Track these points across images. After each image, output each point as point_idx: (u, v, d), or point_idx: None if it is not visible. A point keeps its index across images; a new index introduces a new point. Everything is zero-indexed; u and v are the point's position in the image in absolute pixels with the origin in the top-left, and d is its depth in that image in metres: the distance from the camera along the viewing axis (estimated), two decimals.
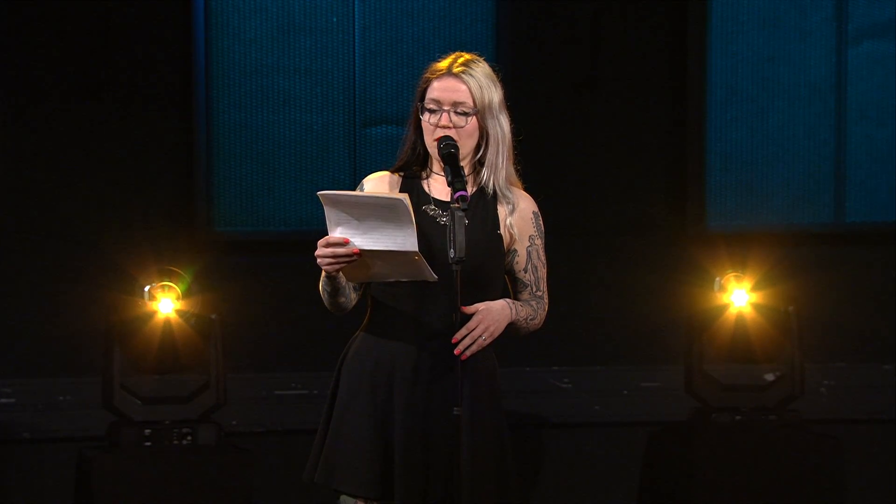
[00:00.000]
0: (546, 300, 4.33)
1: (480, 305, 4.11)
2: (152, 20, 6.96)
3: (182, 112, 6.99)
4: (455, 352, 4.06)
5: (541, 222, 4.33)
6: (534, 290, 4.29)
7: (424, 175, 4.27)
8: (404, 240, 3.94)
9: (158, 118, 7.00)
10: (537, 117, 7.17)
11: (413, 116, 4.26)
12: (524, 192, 4.32)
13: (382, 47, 7.09)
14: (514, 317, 4.19)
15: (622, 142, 7.32)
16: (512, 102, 7.46)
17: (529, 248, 4.28)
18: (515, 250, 4.28)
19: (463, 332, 4.07)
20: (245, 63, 7.04)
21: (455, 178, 4.03)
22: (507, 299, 4.23)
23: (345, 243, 3.97)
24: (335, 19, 7.10)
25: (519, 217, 4.28)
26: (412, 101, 4.27)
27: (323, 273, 4.11)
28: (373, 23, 7.10)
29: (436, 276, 4.02)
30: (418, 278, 4.04)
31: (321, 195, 3.95)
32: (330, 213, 3.96)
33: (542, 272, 4.31)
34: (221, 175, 7.07)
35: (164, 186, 7.00)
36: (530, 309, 4.26)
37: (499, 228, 4.24)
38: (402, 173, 4.28)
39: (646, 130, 7.35)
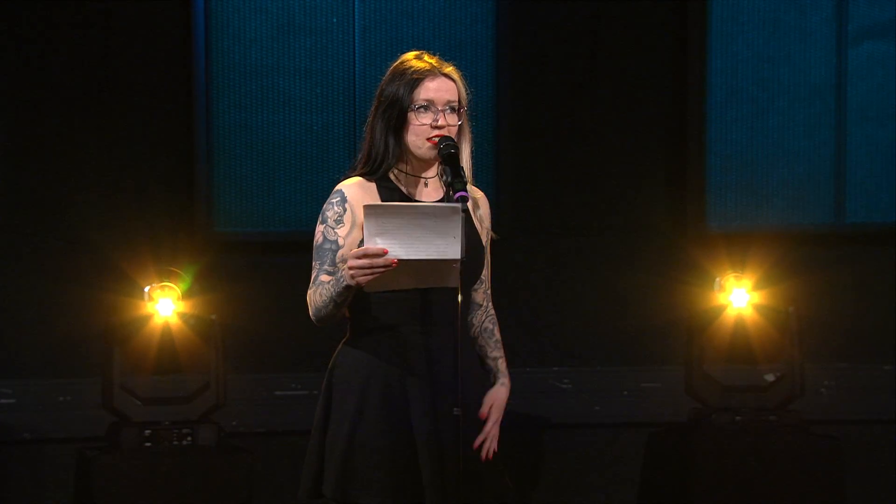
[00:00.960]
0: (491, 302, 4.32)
1: (489, 402, 4.18)
2: (152, 20, 6.96)
3: (182, 112, 6.99)
4: (481, 455, 4.12)
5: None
6: (486, 287, 4.28)
7: (398, 179, 4.19)
8: (446, 247, 3.82)
9: (158, 118, 7.00)
10: (537, 117, 7.17)
11: (394, 118, 4.14)
12: (474, 186, 4.26)
13: (382, 47, 7.08)
14: (510, 385, 4.25)
15: (622, 142, 7.31)
16: (512, 102, 7.43)
17: (487, 244, 4.27)
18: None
19: (481, 438, 4.15)
20: (245, 63, 7.04)
21: (455, 178, 3.98)
22: (498, 373, 4.27)
23: (384, 254, 3.83)
24: (335, 19, 7.09)
25: (483, 212, 4.27)
26: (379, 101, 4.18)
27: (338, 283, 3.95)
28: (373, 23, 7.10)
29: (458, 283, 3.94)
30: (441, 284, 3.96)
31: (365, 207, 3.80)
32: (370, 225, 3.80)
33: (490, 268, 4.30)
34: (221, 175, 7.06)
35: (164, 186, 7.00)
36: (501, 344, 4.30)
37: (477, 222, 4.24)
38: (372, 179, 4.16)
39: (646, 130, 7.34)
